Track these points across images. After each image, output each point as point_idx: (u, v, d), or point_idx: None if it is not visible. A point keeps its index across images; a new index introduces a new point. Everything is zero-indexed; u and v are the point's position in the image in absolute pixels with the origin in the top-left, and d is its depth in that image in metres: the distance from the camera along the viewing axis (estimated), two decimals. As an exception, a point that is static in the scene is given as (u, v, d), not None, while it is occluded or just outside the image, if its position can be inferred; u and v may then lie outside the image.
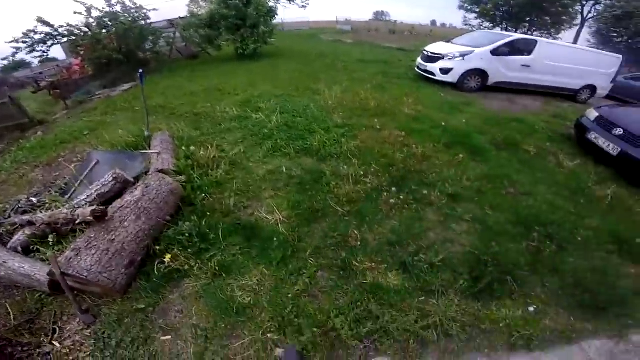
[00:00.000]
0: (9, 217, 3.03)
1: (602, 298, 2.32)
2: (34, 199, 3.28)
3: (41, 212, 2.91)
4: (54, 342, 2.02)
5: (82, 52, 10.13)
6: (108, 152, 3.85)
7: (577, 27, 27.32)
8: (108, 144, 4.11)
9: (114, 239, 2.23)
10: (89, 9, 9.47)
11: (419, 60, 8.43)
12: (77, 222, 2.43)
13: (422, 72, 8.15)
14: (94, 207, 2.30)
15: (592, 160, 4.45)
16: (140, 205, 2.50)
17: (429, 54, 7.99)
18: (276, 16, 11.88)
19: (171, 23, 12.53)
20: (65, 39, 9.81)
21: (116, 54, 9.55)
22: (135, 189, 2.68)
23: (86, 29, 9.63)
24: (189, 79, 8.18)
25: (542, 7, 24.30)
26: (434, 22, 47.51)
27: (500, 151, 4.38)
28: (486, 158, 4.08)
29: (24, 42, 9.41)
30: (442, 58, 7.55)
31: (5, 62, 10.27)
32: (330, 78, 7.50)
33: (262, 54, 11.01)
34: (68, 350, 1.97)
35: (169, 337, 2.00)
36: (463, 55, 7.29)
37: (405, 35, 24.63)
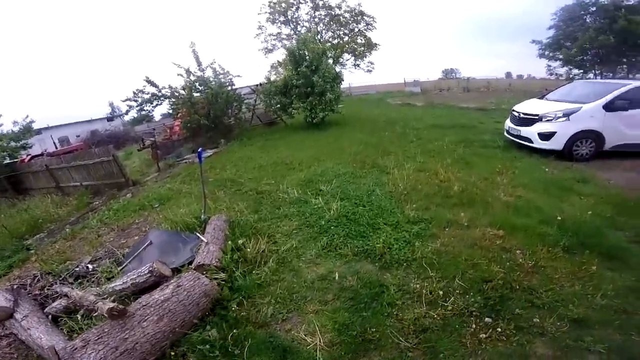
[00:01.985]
0: (64, 279, 3.45)
1: None
2: (90, 266, 3.66)
3: (83, 286, 3.22)
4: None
5: (179, 115, 11.11)
6: (165, 232, 3.94)
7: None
8: (170, 222, 4.16)
9: (127, 338, 2.17)
10: (187, 72, 10.32)
11: (508, 123, 7.09)
12: (95, 314, 2.48)
13: (513, 138, 6.79)
14: (112, 306, 2.27)
15: None
16: (165, 307, 2.41)
17: (521, 115, 6.61)
18: (342, 82, 12.05)
19: (253, 90, 13.33)
20: (167, 100, 10.69)
21: (204, 119, 10.21)
22: (167, 286, 2.60)
23: (183, 92, 10.42)
24: (262, 149, 8.57)
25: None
26: (509, 75, 43.83)
27: (647, 252, 3.03)
28: (629, 265, 2.84)
29: (134, 101, 10.38)
30: (540, 119, 6.16)
31: (134, 116, 11.76)
32: (401, 151, 6.82)
33: (330, 121, 11.11)
34: None
35: None
36: (567, 115, 5.85)
37: (481, 92, 22.75)
